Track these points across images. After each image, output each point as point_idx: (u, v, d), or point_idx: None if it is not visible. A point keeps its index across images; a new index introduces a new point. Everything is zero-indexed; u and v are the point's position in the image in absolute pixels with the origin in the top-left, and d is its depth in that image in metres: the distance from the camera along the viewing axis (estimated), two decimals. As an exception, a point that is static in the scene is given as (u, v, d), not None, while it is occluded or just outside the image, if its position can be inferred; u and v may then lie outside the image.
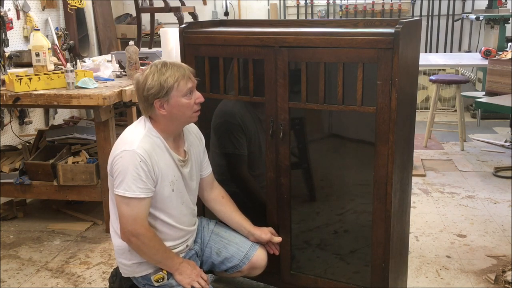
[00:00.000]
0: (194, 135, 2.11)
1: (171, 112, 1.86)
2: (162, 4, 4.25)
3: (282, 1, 6.36)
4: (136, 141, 1.83)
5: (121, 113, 4.20)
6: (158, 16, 5.68)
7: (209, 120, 2.38)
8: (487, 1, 5.61)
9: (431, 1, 6.12)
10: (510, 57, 3.84)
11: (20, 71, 3.22)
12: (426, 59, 4.89)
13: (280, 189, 2.14)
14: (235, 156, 2.35)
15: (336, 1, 6.23)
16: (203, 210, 2.33)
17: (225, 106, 2.35)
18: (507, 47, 4.73)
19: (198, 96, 1.91)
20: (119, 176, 1.82)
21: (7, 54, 3.88)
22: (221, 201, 2.18)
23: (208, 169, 2.18)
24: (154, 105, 1.85)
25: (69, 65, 3.24)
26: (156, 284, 1.96)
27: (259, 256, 2.13)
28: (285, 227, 2.18)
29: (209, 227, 2.21)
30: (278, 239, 2.16)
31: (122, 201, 1.83)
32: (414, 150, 2.41)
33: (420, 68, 2.49)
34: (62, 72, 2.97)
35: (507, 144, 4.65)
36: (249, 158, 2.39)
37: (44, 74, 2.95)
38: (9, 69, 3.69)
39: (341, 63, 1.87)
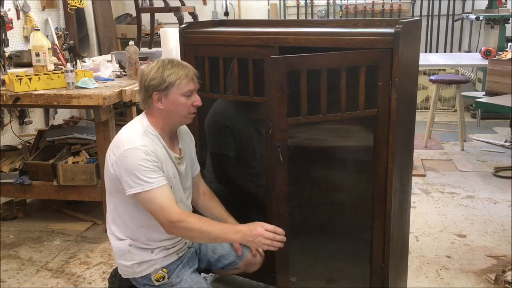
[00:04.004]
0: (186, 134, 2.12)
1: (167, 108, 1.88)
2: (162, 4, 4.25)
3: (282, 1, 6.36)
4: (136, 139, 1.83)
5: (121, 113, 4.20)
6: (158, 16, 5.68)
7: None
8: (487, 1, 5.61)
9: (431, 1, 6.12)
10: (510, 57, 3.84)
11: (20, 71, 3.22)
12: (426, 59, 4.89)
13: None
14: (221, 156, 2.39)
15: (336, 1, 6.23)
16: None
17: (217, 106, 2.39)
18: (507, 47, 4.73)
19: (196, 99, 1.92)
20: (129, 175, 1.79)
21: (7, 54, 3.87)
22: (202, 198, 2.19)
23: (197, 169, 2.19)
24: (153, 97, 1.87)
25: (69, 65, 3.25)
26: (156, 283, 1.95)
27: (257, 253, 2.13)
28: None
29: None
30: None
31: (143, 198, 1.80)
32: (414, 150, 2.41)
33: (420, 68, 2.49)
34: (62, 72, 2.97)
35: (507, 144, 4.65)
36: (243, 158, 2.43)
37: (44, 74, 2.95)
38: (9, 69, 3.69)
39: (344, 67, 1.78)
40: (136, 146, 1.81)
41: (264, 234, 1.77)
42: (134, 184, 1.79)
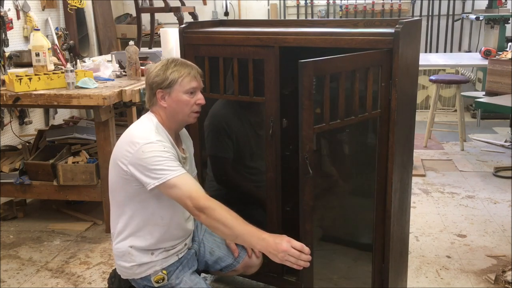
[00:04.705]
0: (186, 136, 2.14)
1: (171, 106, 1.89)
2: (162, 4, 4.25)
3: (282, 1, 6.36)
4: (151, 134, 1.83)
5: (121, 113, 4.20)
6: (158, 16, 5.68)
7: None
8: (487, 1, 5.61)
9: (431, 1, 6.11)
10: (510, 57, 3.84)
11: (20, 71, 3.22)
12: (426, 59, 4.89)
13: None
14: (218, 158, 2.40)
15: (336, 1, 6.23)
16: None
17: (214, 109, 2.40)
18: (507, 47, 4.73)
19: (200, 98, 1.92)
20: (150, 169, 1.77)
21: (7, 54, 3.87)
22: None
23: (195, 171, 2.20)
24: (157, 95, 1.89)
25: (69, 65, 3.25)
26: (156, 285, 1.95)
27: (253, 254, 2.13)
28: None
29: (202, 227, 2.20)
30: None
31: (170, 186, 1.76)
32: (414, 150, 2.41)
33: (420, 68, 2.49)
34: (62, 72, 2.97)
35: (507, 144, 4.65)
36: (241, 159, 2.44)
37: (44, 74, 2.95)
38: (9, 69, 3.69)
39: (359, 68, 1.75)
40: (152, 141, 1.81)
41: (289, 251, 1.65)
42: (157, 175, 1.76)
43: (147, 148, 1.79)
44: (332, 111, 1.72)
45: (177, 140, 2.00)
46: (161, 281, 1.95)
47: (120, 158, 1.85)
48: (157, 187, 1.78)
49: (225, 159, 2.39)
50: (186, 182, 1.78)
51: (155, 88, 1.88)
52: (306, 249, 1.67)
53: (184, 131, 2.12)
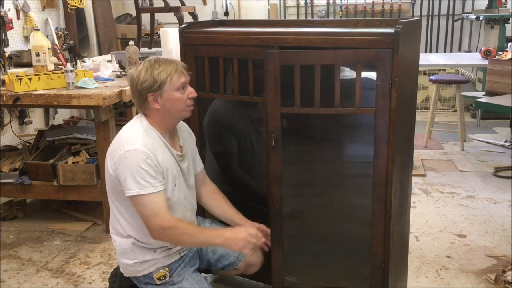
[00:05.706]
0: (185, 131, 2.13)
1: (165, 106, 1.88)
2: (162, 4, 4.25)
3: (282, 1, 6.36)
4: (137, 139, 1.83)
5: (121, 113, 4.20)
6: (158, 16, 5.68)
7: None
8: (487, 1, 5.61)
9: (431, 1, 6.12)
10: (510, 57, 3.84)
11: (20, 71, 3.22)
12: (426, 59, 4.89)
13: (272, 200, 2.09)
14: (224, 154, 2.39)
15: (336, 1, 6.23)
16: (203, 211, 2.33)
17: (214, 105, 2.39)
18: (507, 47, 4.73)
19: (191, 91, 1.92)
20: (127, 177, 1.80)
21: (7, 54, 3.87)
22: (212, 195, 2.19)
23: (200, 166, 2.19)
24: (148, 99, 1.87)
25: (69, 65, 3.25)
26: (158, 282, 1.96)
27: (255, 253, 2.13)
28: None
29: (205, 225, 2.21)
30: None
31: (139, 202, 1.81)
32: (414, 150, 2.41)
33: (420, 68, 2.49)
34: (62, 72, 2.97)
35: (507, 144, 4.65)
36: (241, 157, 2.42)
37: (44, 74, 2.95)
38: (9, 69, 3.69)
39: (339, 64, 1.82)
40: (137, 148, 1.81)
41: (247, 238, 1.90)
42: (130, 186, 1.80)
43: (129, 154, 1.80)
44: (308, 99, 1.85)
45: (172, 138, 1.99)
46: (163, 278, 1.96)
47: (109, 160, 1.88)
48: (129, 198, 1.82)
49: (230, 154, 2.37)
50: (154, 201, 1.81)
51: (145, 93, 1.85)
52: (265, 228, 1.96)
53: (182, 125, 2.11)
